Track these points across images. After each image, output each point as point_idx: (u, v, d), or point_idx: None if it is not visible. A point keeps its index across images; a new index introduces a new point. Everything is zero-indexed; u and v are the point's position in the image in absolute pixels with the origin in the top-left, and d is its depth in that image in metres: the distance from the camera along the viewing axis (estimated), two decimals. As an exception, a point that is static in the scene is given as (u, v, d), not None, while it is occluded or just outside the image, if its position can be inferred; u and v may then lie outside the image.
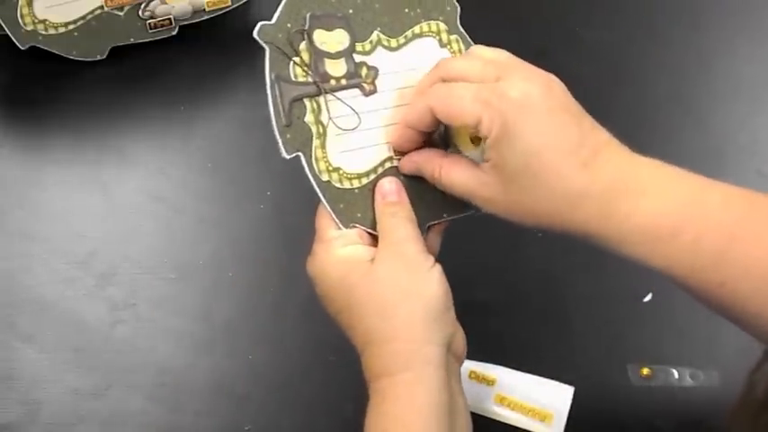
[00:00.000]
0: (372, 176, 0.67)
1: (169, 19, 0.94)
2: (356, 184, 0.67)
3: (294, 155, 0.66)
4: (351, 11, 0.69)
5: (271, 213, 0.89)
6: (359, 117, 0.67)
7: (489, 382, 0.79)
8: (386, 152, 0.68)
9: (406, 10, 0.70)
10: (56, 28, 0.92)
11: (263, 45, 0.66)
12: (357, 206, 0.67)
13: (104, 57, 0.94)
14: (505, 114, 0.61)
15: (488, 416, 0.78)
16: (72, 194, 0.89)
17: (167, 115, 0.94)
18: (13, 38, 0.91)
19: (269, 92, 0.65)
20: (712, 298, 0.62)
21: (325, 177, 0.66)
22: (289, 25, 0.67)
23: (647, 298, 0.84)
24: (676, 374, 0.81)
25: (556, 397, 0.79)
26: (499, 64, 0.65)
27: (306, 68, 0.66)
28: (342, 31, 0.68)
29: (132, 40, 0.94)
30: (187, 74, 0.96)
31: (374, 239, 0.67)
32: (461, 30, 0.72)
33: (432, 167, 0.66)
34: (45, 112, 0.93)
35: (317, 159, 0.66)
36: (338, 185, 0.66)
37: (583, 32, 0.99)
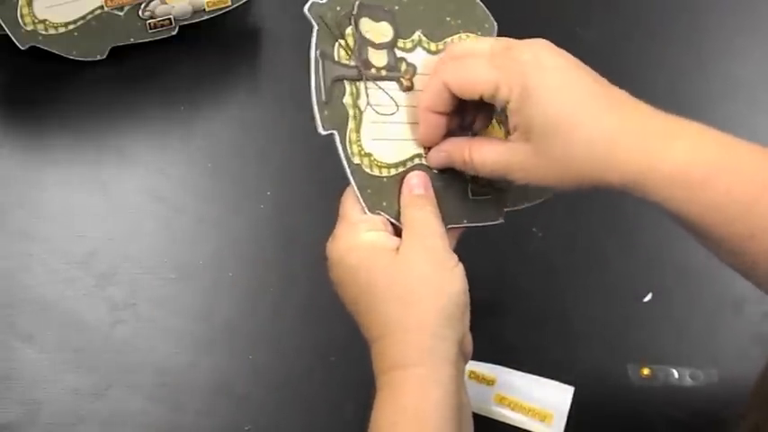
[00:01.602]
0: (401, 169, 0.68)
1: (169, 19, 0.94)
2: (385, 173, 0.67)
3: (330, 132, 0.66)
4: (396, 7, 0.69)
5: (271, 213, 0.89)
6: (396, 105, 0.68)
7: (489, 382, 0.79)
8: (416, 149, 0.68)
9: (448, 18, 0.71)
10: (56, 28, 0.92)
11: (313, 21, 0.66)
12: (383, 195, 0.67)
13: (104, 57, 0.94)
14: (523, 75, 0.62)
15: (488, 416, 0.78)
16: (72, 194, 0.89)
17: (167, 115, 0.94)
18: (13, 38, 0.91)
19: (312, 67, 0.66)
20: (740, 252, 0.61)
21: (356, 160, 0.66)
22: (338, 8, 0.67)
23: (647, 298, 0.84)
24: (676, 374, 0.81)
25: (556, 397, 0.79)
26: (507, 39, 0.66)
27: (350, 52, 0.67)
28: (386, 24, 0.69)
29: (132, 40, 0.94)
30: (187, 74, 0.96)
31: (396, 230, 0.67)
32: None
33: (461, 150, 0.66)
34: (45, 112, 0.93)
35: (350, 141, 0.66)
36: (368, 171, 0.67)
37: (582, 32, 0.99)
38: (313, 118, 0.65)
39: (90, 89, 0.94)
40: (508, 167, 0.64)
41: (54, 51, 0.92)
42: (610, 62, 0.97)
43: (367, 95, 0.67)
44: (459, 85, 0.65)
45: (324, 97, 0.66)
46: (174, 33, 0.95)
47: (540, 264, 0.86)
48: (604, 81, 0.64)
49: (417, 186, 0.67)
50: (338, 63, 0.67)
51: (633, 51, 0.99)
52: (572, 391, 0.79)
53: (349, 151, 0.66)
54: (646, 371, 0.81)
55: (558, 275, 0.86)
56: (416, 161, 0.68)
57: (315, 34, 0.66)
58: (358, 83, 0.67)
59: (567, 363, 0.81)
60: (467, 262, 0.71)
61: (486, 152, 0.65)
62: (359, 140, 0.67)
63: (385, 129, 0.68)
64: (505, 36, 0.70)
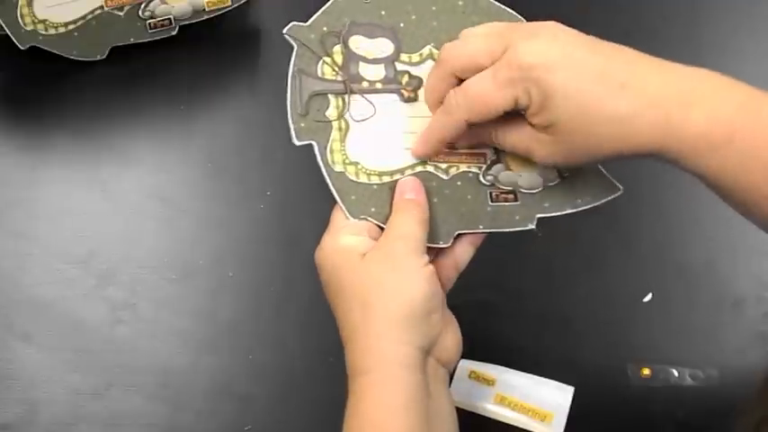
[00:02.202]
0: (398, 176, 0.68)
1: (169, 19, 0.94)
2: (375, 180, 0.68)
3: (305, 143, 0.67)
4: (402, 24, 0.70)
5: (271, 213, 0.89)
6: (374, 106, 0.68)
7: (489, 382, 0.79)
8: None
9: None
10: (56, 28, 0.92)
11: (292, 43, 0.68)
12: (372, 201, 0.67)
13: (104, 57, 0.94)
14: (534, 82, 0.61)
15: (488, 416, 0.78)
16: (72, 194, 0.89)
17: (167, 115, 0.94)
18: (13, 38, 0.91)
19: (289, 82, 0.67)
20: (763, 210, 0.61)
21: (338, 168, 0.67)
22: (325, 28, 0.69)
23: (647, 298, 0.84)
24: (676, 374, 0.81)
25: (556, 397, 0.79)
26: (498, 34, 0.64)
27: (336, 68, 0.68)
28: (385, 40, 0.69)
29: (132, 40, 0.94)
30: (187, 74, 0.96)
31: None
32: None
33: (487, 133, 0.66)
34: (45, 112, 0.93)
35: (332, 151, 0.67)
36: (353, 178, 0.67)
37: (581, 30, 0.99)
38: (288, 130, 0.67)
39: (90, 89, 0.94)
40: (533, 154, 0.65)
41: (54, 51, 0.92)
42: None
43: (349, 107, 0.68)
44: (479, 116, 0.64)
45: (300, 110, 0.67)
46: (174, 33, 0.95)
47: (540, 264, 0.86)
48: (608, 48, 0.63)
49: (408, 191, 0.67)
50: (320, 78, 0.68)
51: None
52: (572, 391, 0.79)
53: (329, 160, 0.67)
54: (646, 371, 0.81)
55: (558, 275, 0.86)
56: (418, 169, 0.68)
57: (294, 54, 0.68)
58: (345, 96, 0.68)
59: (567, 363, 0.81)
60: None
61: (511, 137, 0.65)
62: (343, 150, 0.67)
63: (380, 138, 0.68)
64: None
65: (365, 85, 0.69)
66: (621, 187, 0.70)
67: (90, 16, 0.92)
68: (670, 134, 0.60)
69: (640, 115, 0.61)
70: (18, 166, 0.91)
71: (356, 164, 0.67)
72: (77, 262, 0.85)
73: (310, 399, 0.80)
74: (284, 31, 0.68)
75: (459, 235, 0.69)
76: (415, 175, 0.68)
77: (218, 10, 0.96)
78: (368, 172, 0.68)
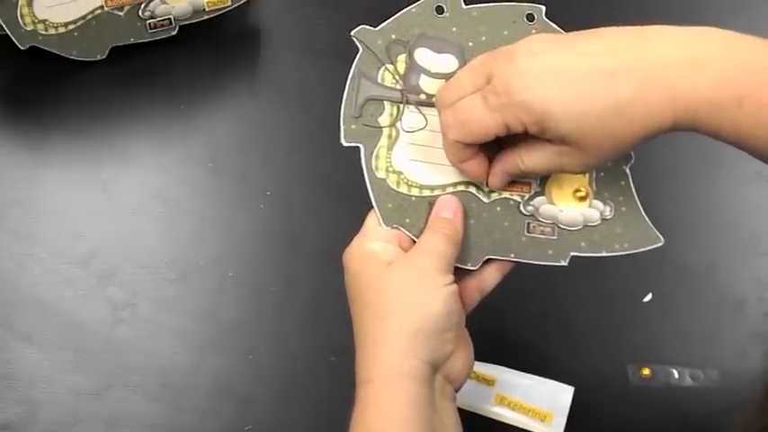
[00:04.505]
0: (438, 192, 0.68)
1: (169, 19, 0.94)
2: (416, 192, 0.68)
3: (352, 145, 0.67)
4: (470, 44, 0.69)
5: (271, 213, 0.89)
6: (426, 120, 0.68)
7: (489, 382, 0.79)
8: (463, 177, 0.68)
9: None
10: (56, 28, 0.92)
11: (359, 46, 0.68)
12: (408, 212, 0.67)
13: (104, 57, 0.94)
14: (524, 105, 0.61)
15: (488, 416, 0.78)
16: (72, 194, 0.89)
17: (167, 115, 0.94)
18: (13, 38, 0.91)
19: (348, 82, 0.68)
20: None
21: (381, 175, 0.67)
22: (393, 36, 0.69)
23: (647, 298, 0.84)
24: (676, 374, 0.81)
25: (556, 397, 0.79)
26: (481, 65, 0.64)
27: (397, 77, 0.68)
28: (451, 56, 0.69)
29: (132, 40, 0.94)
30: (187, 74, 0.96)
31: None
32: None
33: (514, 164, 0.65)
34: (45, 112, 0.93)
35: (377, 157, 0.68)
36: (393, 187, 0.67)
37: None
38: (338, 129, 0.67)
39: (90, 89, 0.94)
40: (562, 167, 0.64)
41: (54, 51, 0.92)
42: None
43: (401, 117, 0.68)
44: (468, 137, 0.64)
45: (354, 112, 0.68)
46: (174, 33, 0.95)
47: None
48: (585, 42, 0.63)
49: (445, 209, 0.67)
50: (379, 84, 0.68)
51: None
52: (572, 391, 0.79)
53: (373, 165, 0.67)
54: (646, 371, 0.81)
55: (558, 275, 0.85)
56: (460, 188, 0.68)
57: (358, 56, 0.68)
58: (400, 105, 0.68)
59: (567, 363, 0.81)
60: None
61: (536, 158, 0.64)
62: (388, 157, 0.68)
63: (428, 152, 0.68)
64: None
65: (422, 97, 0.68)
66: (663, 239, 0.69)
67: (90, 16, 0.92)
68: (679, 104, 0.60)
69: (643, 93, 0.60)
70: (18, 165, 0.91)
71: (399, 173, 0.68)
72: (77, 262, 0.85)
73: (311, 399, 0.80)
74: (352, 33, 0.68)
75: (489, 260, 0.68)
76: (455, 194, 0.68)
77: (218, 10, 0.96)
78: (409, 183, 0.68)
